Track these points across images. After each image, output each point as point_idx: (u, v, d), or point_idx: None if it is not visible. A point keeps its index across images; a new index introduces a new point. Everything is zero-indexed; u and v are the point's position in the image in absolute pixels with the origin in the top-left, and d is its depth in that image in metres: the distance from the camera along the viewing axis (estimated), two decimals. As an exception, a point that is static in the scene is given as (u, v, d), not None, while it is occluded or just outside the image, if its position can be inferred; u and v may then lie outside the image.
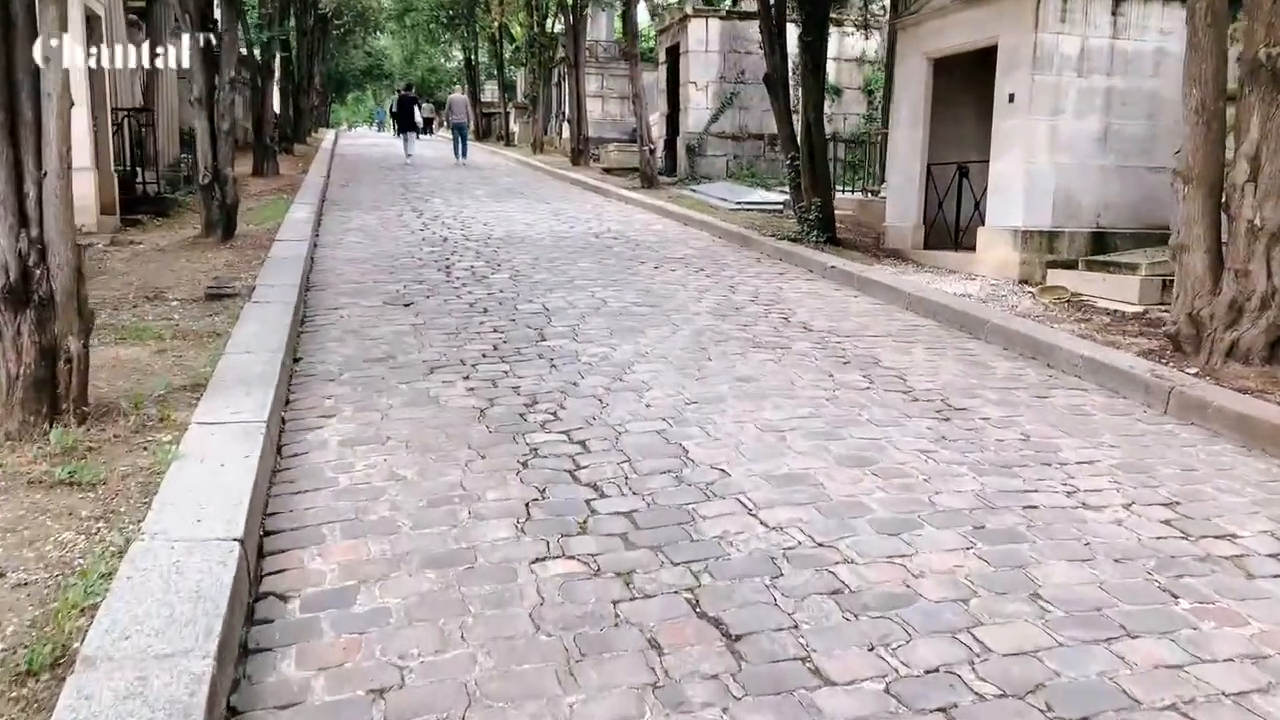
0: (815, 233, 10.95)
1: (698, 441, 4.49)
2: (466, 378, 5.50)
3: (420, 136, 25.90)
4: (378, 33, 42.48)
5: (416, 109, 25.68)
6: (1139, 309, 7.55)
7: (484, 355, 6.00)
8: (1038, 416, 5.14)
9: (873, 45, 19.08)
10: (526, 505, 3.74)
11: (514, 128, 35.91)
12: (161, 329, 5.99)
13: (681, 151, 19.03)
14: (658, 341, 6.41)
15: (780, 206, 14.63)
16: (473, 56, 39.04)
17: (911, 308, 7.90)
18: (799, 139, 11.05)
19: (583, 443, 4.47)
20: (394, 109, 48.23)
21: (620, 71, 29.60)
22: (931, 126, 10.45)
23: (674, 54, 19.59)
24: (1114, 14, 8.89)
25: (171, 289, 7.40)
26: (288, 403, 5.02)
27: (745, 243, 11.35)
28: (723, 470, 4.13)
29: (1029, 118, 8.82)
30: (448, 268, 9.08)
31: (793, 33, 11.80)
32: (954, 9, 9.74)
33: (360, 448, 4.35)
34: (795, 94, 12.23)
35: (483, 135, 38.63)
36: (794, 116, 11.93)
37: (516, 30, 34.40)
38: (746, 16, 18.76)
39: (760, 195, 15.32)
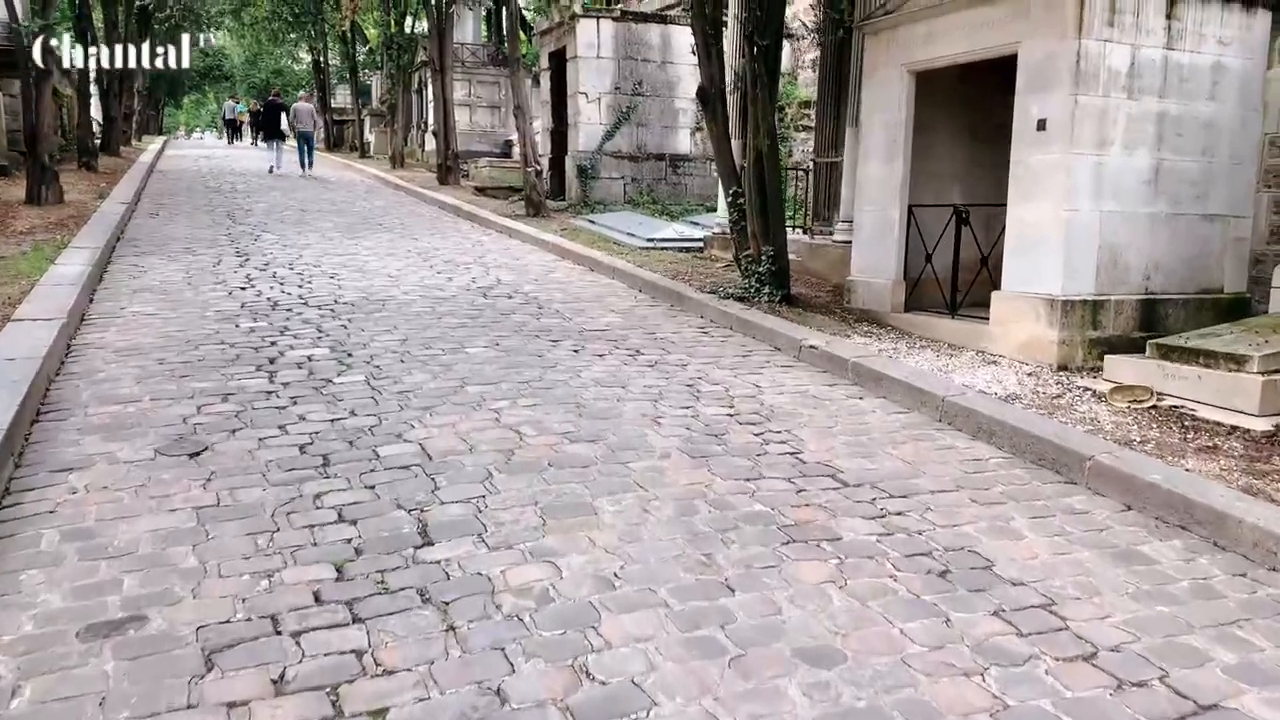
0: (768, 290, 8.57)
1: None
2: (279, 683, 2.76)
3: (265, 143, 23.29)
4: (212, 30, 38.10)
5: (284, 116, 23.25)
6: (1266, 425, 5.44)
7: (318, 597, 3.26)
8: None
9: (783, 53, 16.93)
10: None
11: (369, 137, 32.50)
12: None
13: (571, 173, 16.43)
14: (625, 539, 3.80)
15: (700, 244, 12.25)
16: (322, 58, 35.33)
17: (952, 420, 5.59)
18: (747, 170, 8.64)
19: None
20: (224, 116, 44.33)
21: (489, 77, 26.86)
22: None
23: (559, 59, 16.98)
24: (1169, 16, 6.84)
25: None
26: None
27: (679, 301, 8.86)
28: None
29: (1069, 151, 6.66)
30: (273, 362, 6.20)
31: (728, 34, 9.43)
32: (950, 6, 7.53)
33: None
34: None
35: (334, 145, 35.03)
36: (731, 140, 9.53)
37: (370, 31, 31.09)
38: (644, 19, 16.36)
39: (674, 230, 12.89)
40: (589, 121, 16.22)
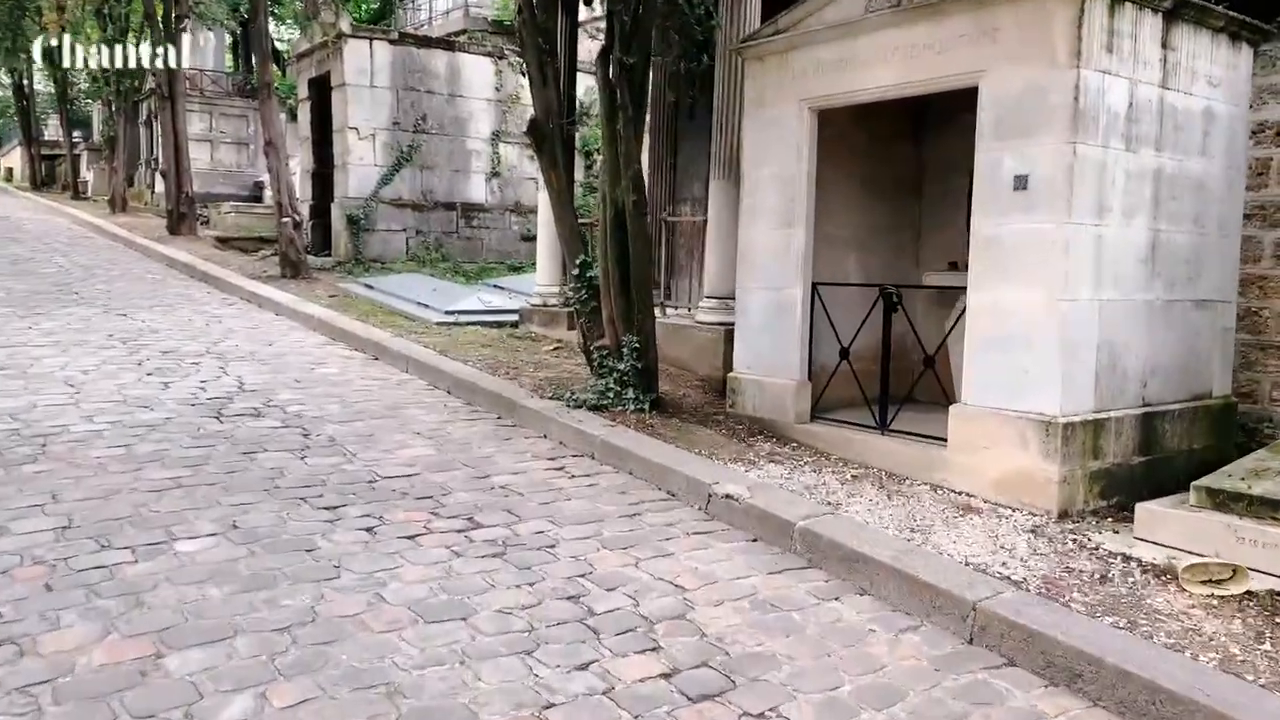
0: (632, 394, 6.33)
1: None
2: None
3: None
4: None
5: None
6: None
7: None
8: None
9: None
10: None
11: (87, 175, 27.60)
12: None
13: (339, 224, 13.51)
14: None
15: (515, 317, 9.83)
16: (26, 82, 29.86)
17: (997, 644, 3.56)
18: (602, 233, 6.36)
19: None
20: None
21: (235, 110, 23.30)
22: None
23: (322, 88, 14.09)
24: (1164, 45, 5.26)
25: None
26: None
27: (511, 412, 6.42)
28: None
29: (1066, 220, 4.86)
30: None
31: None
32: (873, 23, 5.66)
33: None
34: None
35: (42, 184, 29.66)
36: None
37: (85, 50, 26.37)
38: (428, 44, 13.83)
39: (479, 300, 10.35)
40: (361, 162, 13.42)
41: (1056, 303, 4.91)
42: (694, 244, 9.00)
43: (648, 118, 9.75)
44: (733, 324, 7.47)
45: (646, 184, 9.97)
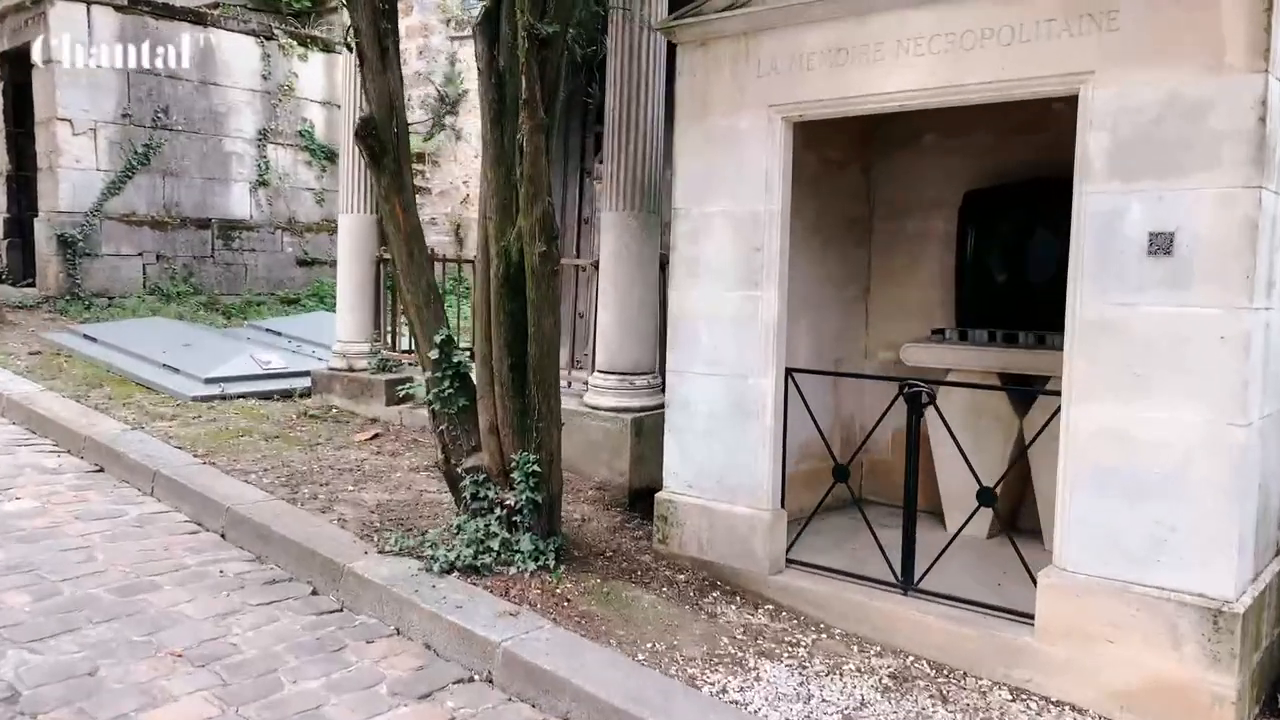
0: (530, 542, 4.14)
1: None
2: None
3: None
4: None
5: None
6: None
7: None
8: None
9: (332, 70, 11.68)
10: None
11: None
12: None
13: (48, 247, 10.16)
14: None
15: (308, 380, 7.27)
16: None
17: None
18: (483, 300, 4.10)
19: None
20: None
21: (-93, 90, 18.40)
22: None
23: (20, 65, 10.67)
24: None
25: None
26: None
27: (333, 582, 4.06)
28: None
29: (1247, 304, 3.21)
30: None
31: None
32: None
33: None
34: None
35: None
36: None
37: None
38: (169, 14, 10.74)
39: (254, 360, 7.59)
40: (78, 165, 10.16)
41: (1227, 428, 3.23)
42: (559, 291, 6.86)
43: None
44: (641, 410, 5.50)
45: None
